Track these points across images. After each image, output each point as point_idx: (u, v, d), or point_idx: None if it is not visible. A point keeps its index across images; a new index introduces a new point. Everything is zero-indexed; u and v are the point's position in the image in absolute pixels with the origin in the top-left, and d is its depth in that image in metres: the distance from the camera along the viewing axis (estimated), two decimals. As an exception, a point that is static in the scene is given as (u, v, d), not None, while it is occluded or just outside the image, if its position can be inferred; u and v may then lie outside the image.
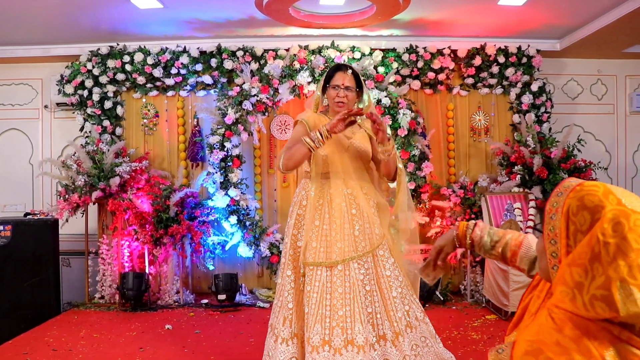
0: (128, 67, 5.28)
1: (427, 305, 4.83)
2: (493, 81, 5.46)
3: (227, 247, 5.23)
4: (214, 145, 5.08)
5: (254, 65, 5.26)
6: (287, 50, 5.32)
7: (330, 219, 2.65)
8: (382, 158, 2.69)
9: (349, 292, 2.56)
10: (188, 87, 5.43)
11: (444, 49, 5.36)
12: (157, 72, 5.27)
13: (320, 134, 2.57)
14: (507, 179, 5.13)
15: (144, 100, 5.49)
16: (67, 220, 4.96)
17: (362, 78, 2.81)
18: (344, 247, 2.60)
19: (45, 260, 4.76)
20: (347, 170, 2.72)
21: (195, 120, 5.43)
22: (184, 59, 5.25)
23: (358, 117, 2.65)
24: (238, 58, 5.28)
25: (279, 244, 5.08)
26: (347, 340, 2.51)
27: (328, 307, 2.54)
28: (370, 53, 5.32)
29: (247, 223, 5.11)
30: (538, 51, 5.43)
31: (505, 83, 5.47)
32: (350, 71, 2.74)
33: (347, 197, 2.68)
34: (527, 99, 5.39)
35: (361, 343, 2.51)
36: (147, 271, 4.99)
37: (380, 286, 2.64)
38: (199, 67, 5.30)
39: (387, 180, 2.82)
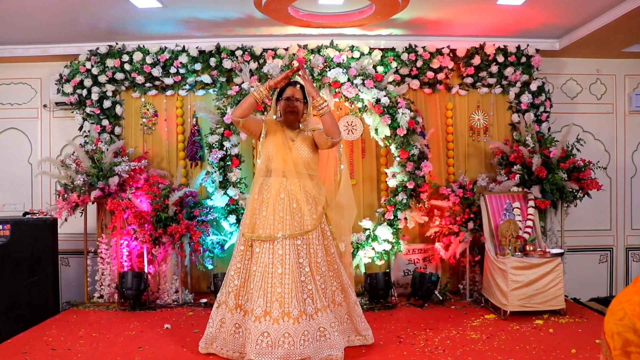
0: (127, 67, 5.27)
1: (425, 304, 4.84)
2: (492, 81, 5.46)
3: (226, 247, 5.23)
4: (213, 145, 5.08)
5: (253, 65, 5.26)
6: (286, 49, 5.32)
7: (275, 209, 3.30)
8: (317, 114, 3.31)
9: (288, 273, 3.21)
10: (187, 87, 5.42)
11: (443, 48, 5.36)
12: (156, 72, 5.27)
13: (265, 88, 3.30)
14: (506, 178, 5.14)
15: (142, 99, 5.49)
16: (66, 220, 4.97)
17: (306, 90, 3.44)
18: (285, 230, 3.27)
19: (44, 260, 4.76)
20: (289, 168, 3.34)
21: (194, 119, 5.42)
22: (183, 59, 5.25)
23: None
24: (237, 57, 5.28)
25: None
26: (284, 313, 3.15)
27: (269, 285, 3.20)
28: (369, 52, 5.32)
29: (246, 222, 5.11)
30: (537, 51, 5.43)
31: (504, 82, 5.47)
32: (298, 86, 3.44)
33: (287, 191, 3.32)
34: (526, 98, 5.39)
35: (296, 315, 3.15)
36: (146, 270, 4.99)
37: (312, 269, 3.33)
38: (198, 66, 5.30)
39: (330, 138, 3.32)
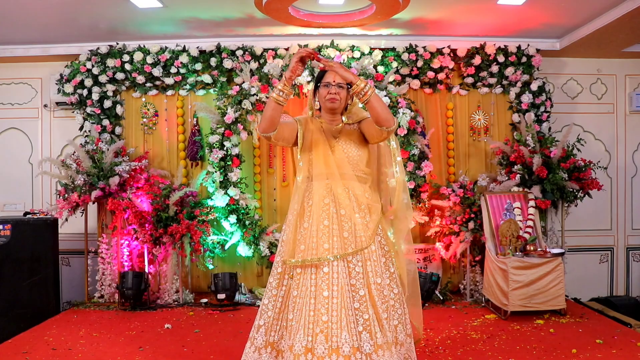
0: (127, 67, 5.28)
1: (426, 304, 4.84)
2: (492, 80, 5.46)
3: (226, 247, 5.23)
4: (214, 145, 5.09)
5: (254, 65, 5.26)
6: (287, 49, 5.32)
7: (318, 218, 2.60)
8: (361, 101, 2.53)
9: (336, 296, 2.45)
10: (187, 87, 5.42)
11: (444, 48, 5.36)
12: (157, 72, 5.27)
13: (283, 84, 2.50)
14: (506, 178, 5.14)
15: (143, 99, 5.49)
16: (66, 220, 4.97)
17: (341, 77, 2.68)
18: (332, 248, 2.54)
19: (45, 260, 4.76)
20: (332, 171, 2.66)
21: (195, 119, 5.42)
22: (184, 58, 5.25)
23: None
24: (237, 57, 5.28)
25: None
26: (331, 349, 2.39)
27: (312, 312, 2.44)
28: (369, 52, 5.32)
29: (247, 222, 5.11)
30: (538, 50, 5.43)
31: (504, 82, 5.47)
32: None
33: (333, 195, 2.64)
34: (526, 98, 5.39)
35: (347, 352, 2.38)
36: (146, 270, 4.99)
37: (371, 293, 2.54)
38: (198, 66, 5.30)
39: (384, 128, 2.54)
